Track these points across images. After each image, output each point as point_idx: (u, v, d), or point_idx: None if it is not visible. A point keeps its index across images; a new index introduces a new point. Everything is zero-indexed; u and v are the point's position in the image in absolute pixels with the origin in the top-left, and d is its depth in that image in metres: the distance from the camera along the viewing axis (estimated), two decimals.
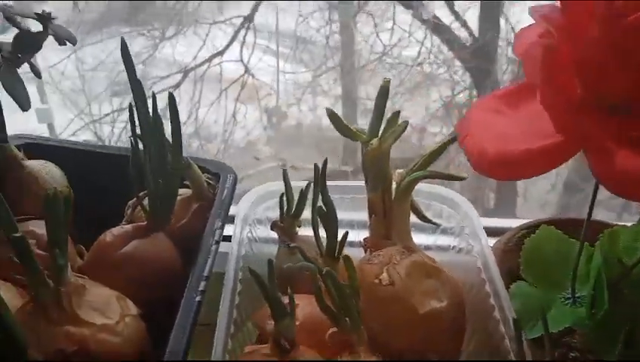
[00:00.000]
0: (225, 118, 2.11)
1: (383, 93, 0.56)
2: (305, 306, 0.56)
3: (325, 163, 0.57)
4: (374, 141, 0.56)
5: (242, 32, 2.08)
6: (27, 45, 0.57)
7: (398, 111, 0.56)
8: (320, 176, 0.56)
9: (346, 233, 0.57)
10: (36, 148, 0.66)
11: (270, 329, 0.56)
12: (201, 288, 0.55)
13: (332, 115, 0.57)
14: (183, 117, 2.01)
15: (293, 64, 2.22)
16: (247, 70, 2.13)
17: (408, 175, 0.60)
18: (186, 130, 1.99)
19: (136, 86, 0.56)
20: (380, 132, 0.57)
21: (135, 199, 0.63)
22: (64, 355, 0.49)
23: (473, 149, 0.44)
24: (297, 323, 0.53)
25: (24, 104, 0.57)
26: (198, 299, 0.54)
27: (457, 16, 1.93)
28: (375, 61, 2.08)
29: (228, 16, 2.06)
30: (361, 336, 0.52)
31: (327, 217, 0.56)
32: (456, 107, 2.13)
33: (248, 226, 0.63)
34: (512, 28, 1.88)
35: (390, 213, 0.61)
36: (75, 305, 0.50)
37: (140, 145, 0.59)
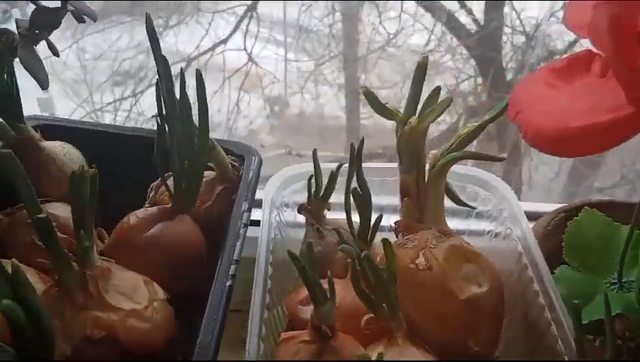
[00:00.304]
0: (228, 106, 2.08)
1: (421, 70, 0.53)
2: (339, 291, 0.53)
3: (362, 142, 0.54)
4: (413, 119, 0.53)
5: (245, 20, 2.05)
6: (45, 22, 0.54)
7: (439, 87, 0.53)
8: (355, 157, 0.53)
9: (380, 216, 0.55)
10: (53, 129, 0.64)
11: (303, 314, 0.53)
12: (231, 272, 0.52)
13: (368, 93, 0.54)
14: None
15: (295, 53, 2.19)
16: (250, 59, 2.10)
17: (443, 156, 0.57)
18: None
19: (162, 63, 0.53)
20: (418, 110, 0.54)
21: (159, 180, 0.60)
22: (91, 342, 0.46)
23: (528, 126, 0.41)
24: None
25: (43, 83, 0.54)
26: (229, 283, 0.51)
27: (463, 3, 1.91)
28: (379, 50, 2.05)
29: (230, 6, 2.04)
30: (399, 323, 0.50)
31: (361, 199, 0.53)
32: (461, 95, 2.11)
33: (276, 209, 0.60)
34: (518, 16, 1.86)
35: (424, 196, 0.58)
36: (102, 289, 0.48)
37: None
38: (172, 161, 0.55)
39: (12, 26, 0.56)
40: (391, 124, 0.57)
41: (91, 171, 0.46)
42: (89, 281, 0.47)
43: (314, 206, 0.61)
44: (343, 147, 1.92)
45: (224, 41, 2.08)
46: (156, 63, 0.53)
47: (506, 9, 1.89)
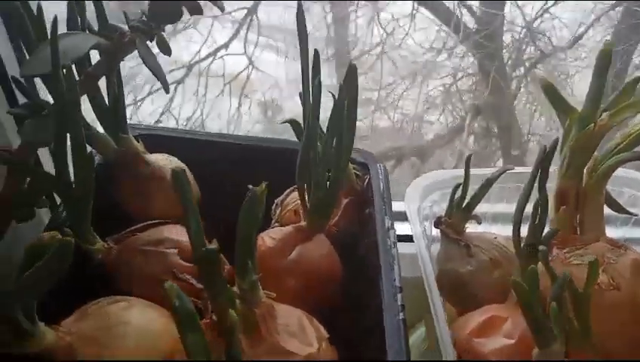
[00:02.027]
0: (229, 112, 2.00)
1: (605, 59, 0.45)
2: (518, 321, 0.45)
3: (556, 142, 0.45)
4: (604, 116, 0.45)
5: (244, 26, 1.97)
6: (165, 13, 0.44)
7: (638, 78, 0.45)
8: (543, 161, 0.45)
9: (556, 230, 0.46)
10: (150, 139, 0.53)
11: (481, 348, 0.45)
12: (399, 302, 0.43)
13: (547, 85, 0.46)
14: (188, 112, 1.88)
15: (290, 58, 2.12)
16: (250, 62, 2.02)
17: (607, 158, 0.49)
18: (193, 124, 1.87)
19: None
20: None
21: (283, 196, 0.51)
22: None
23: None
24: (512, 342, 0.43)
25: (166, 84, 0.45)
26: (401, 317, 0.42)
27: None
28: (374, 49, 1.98)
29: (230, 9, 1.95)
30: (595, 352, 0.42)
31: (540, 210, 0.45)
32: (458, 93, 2.05)
33: (423, 222, 0.51)
34: (520, 9, 1.81)
35: (582, 203, 0.50)
36: (273, 331, 0.38)
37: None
38: (313, 174, 0.46)
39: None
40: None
41: (262, 189, 0.37)
42: (260, 323, 0.38)
43: (455, 218, 0.52)
44: None
45: (226, 45, 1.99)
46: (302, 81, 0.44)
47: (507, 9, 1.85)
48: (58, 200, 0.53)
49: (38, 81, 0.52)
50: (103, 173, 0.50)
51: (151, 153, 0.53)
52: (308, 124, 0.45)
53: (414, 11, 1.81)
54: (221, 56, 1.96)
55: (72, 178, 0.44)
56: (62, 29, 0.44)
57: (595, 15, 1.85)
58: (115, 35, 0.45)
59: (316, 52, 0.47)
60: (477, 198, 0.51)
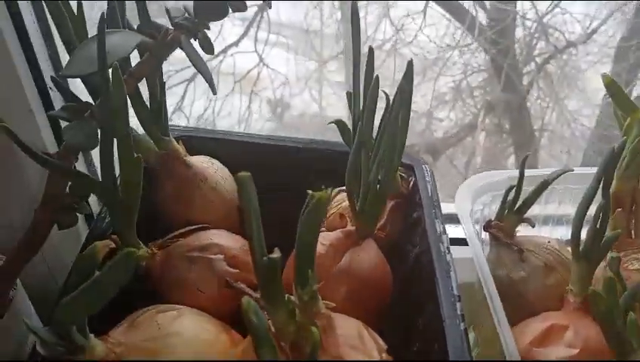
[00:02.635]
0: (240, 110, 1.98)
1: None
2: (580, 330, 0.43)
3: (623, 144, 0.43)
4: None
5: (251, 23, 1.96)
6: (211, 10, 0.42)
7: None
8: (609, 163, 0.43)
9: (618, 234, 0.44)
10: (189, 142, 0.51)
11: (543, 358, 0.43)
12: (459, 311, 0.41)
13: (609, 83, 0.44)
14: (199, 109, 1.86)
15: (299, 55, 2.10)
16: (261, 60, 2.00)
17: None
18: (205, 122, 1.85)
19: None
20: None
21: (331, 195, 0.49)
22: None
23: None
24: (575, 351, 0.41)
25: (213, 84, 0.43)
26: (462, 326, 0.40)
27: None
28: (385, 44, 1.96)
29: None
30: None
31: (602, 213, 0.43)
32: (469, 89, 2.03)
33: (476, 225, 0.49)
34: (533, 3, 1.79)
35: (638, 206, 0.48)
36: (335, 344, 0.36)
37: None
38: (364, 177, 0.44)
39: None
40: None
41: (327, 194, 0.35)
42: (323, 336, 0.36)
43: (507, 221, 0.50)
44: None
45: (236, 43, 1.97)
46: (354, 81, 0.42)
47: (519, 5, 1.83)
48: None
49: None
50: (144, 177, 0.48)
51: (190, 156, 0.50)
52: (362, 125, 0.43)
53: (426, 7, 1.79)
54: (231, 54, 1.94)
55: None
56: (92, 30, 0.42)
57: (609, 10, 1.83)
58: (157, 33, 0.42)
59: (371, 49, 0.45)
60: (531, 200, 0.49)
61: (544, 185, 0.47)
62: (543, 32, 1.93)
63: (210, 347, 0.40)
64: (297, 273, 0.36)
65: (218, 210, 0.49)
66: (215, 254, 0.45)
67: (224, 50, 1.92)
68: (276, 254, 0.34)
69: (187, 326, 0.40)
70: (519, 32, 1.96)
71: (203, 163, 0.50)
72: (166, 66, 0.46)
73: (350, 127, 0.48)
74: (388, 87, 0.51)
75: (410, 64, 0.43)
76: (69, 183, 0.43)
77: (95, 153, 0.51)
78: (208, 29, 0.44)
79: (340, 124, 0.49)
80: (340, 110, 2.03)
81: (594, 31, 1.81)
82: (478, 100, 2.04)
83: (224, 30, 1.91)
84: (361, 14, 1.93)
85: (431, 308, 0.43)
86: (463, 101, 2.13)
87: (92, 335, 0.37)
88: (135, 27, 0.45)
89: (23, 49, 0.46)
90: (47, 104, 0.49)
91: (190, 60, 0.42)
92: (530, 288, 0.48)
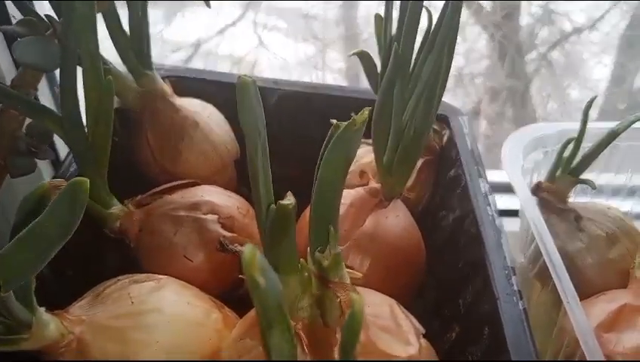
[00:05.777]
0: None
1: None
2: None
3: None
4: None
5: (247, 6, 1.87)
6: None
7: None
8: None
9: None
10: (180, 83, 0.41)
11: (613, 346, 0.33)
12: (516, 287, 0.32)
13: None
14: None
15: (298, 40, 2.01)
16: (261, 42, 1.91)
17: None
18: None
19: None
20: None
21: None
22: None
23: None
24: None
25: None
26: (521, 305, 0.31)
27: None
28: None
29: None
30: None
31: None
32: (471, 77, 1.94)
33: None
34: None
35: None
36: (363, 326, 0.26)
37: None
38: (395, 125, 0.34)
39: None
40: None
41: (362, 117, 0.25)
42: (346, 313, 0.26)
43: (560, 184, 0.41)
44: None
45: (234, 24, 1.88)
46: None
47: None
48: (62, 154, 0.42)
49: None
50: (120, 120, 0.38)
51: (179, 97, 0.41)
52: (398, 48, 0.32)
53: None
54: (228, 37, 1.86)
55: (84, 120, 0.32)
56: None
57: None
58: None
59: None
60: (590, 158, 0.39)
61: (611, 136, 0.38)
62: (547, 17, 1.84)
63: (198, 328, 0.30)
64: (314, 230, 0.26)
65: (211, 164, 0.39)
66: (206, 214, 0.35)
67: (220, 32, 1.83)
68: (289, 200, 0.24)
69: (169, 300, 0.30)
70: (524, 20, 1.88)
71: (195, 106, 0.40)
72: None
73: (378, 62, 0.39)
74: None
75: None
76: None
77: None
78: None
79: (364, 57, 0.39)
80: None
81: (599, 18, 1.73)
82: (483, 87, 1.95)
83: (220, 16, 1.82)
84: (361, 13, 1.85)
85: (477, 284, 0.33)
86: (464, 87, 2.04)
87: (42, 309, 0.27)
88: None
89: None
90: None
91: None
92: (589, 262, 0.39)
